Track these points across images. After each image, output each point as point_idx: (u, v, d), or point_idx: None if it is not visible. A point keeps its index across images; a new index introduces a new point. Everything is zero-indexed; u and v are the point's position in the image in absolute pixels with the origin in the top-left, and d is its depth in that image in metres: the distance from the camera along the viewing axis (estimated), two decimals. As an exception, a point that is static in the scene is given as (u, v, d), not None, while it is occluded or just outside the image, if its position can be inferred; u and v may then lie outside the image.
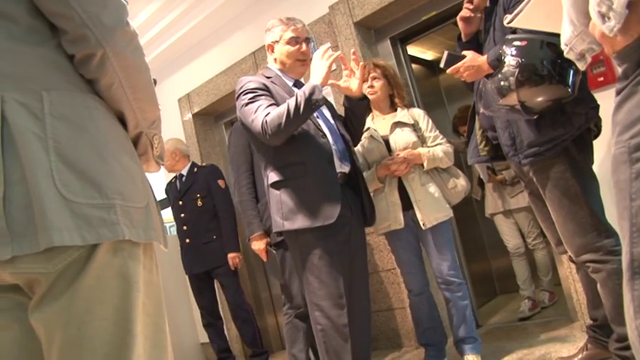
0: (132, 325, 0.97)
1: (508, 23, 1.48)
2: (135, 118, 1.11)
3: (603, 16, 0.95)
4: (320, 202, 2.26)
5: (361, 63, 2.49)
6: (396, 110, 2.94)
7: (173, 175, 4.21)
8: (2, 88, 0.92)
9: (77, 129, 0.97)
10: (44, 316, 0.94)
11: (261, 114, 2.25)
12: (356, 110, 2.56)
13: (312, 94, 2.20)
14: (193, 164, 4.19)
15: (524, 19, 1.41)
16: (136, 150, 1.14)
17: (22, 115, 0.91)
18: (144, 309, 1.01)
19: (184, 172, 4.11)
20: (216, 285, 4.17)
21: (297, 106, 2.18)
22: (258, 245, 3.00)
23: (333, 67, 2.33)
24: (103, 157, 0.98)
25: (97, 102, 1.04)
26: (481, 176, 3.83)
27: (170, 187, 4.20)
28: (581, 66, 1.14)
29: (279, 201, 2.33)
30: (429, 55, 5.04)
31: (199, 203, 3.98)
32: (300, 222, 2.27)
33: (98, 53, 1.01)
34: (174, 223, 4.21)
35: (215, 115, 4.91)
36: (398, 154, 2.74)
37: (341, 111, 2.71)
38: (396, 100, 2.95)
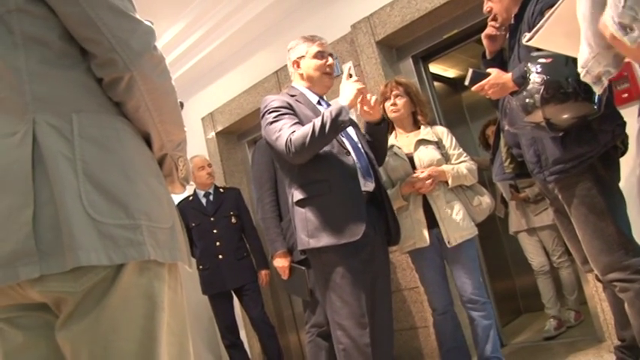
0: (157, 345, 0.98)
1: (527, 41, 1.47)
2: (160, 140, 1.13)
3: (625, 28, 0.93)
4: (345, 220, 2.25)
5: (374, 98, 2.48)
6: (419, 128, 2.93)
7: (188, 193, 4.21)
8: (35, 110, 0.95)
9: (105, 150, 0.99)
10: (71, 335, 0.95)
11: (286, 132, 2.26)
12: (376, 135, 2.58)
13: (338, 115, 2.20)
14: (216, 185, 4.22)
15: (543, 38, 1.40)
16: (161, 171, 1.16)
17: (53, 136, 0.94)
18: (169, 329, 1.01)
19: (211, 190, 4.13)
20: (236, 303, 4.17)
21: (322, 126, 2.19)
22: (282, 263, 3.00)
23: (359, 85, 2.33)
24: (129, 177, 1.00)
25: (125, 124, 1.07)
26: (504, 194, 3.79)
27: (190, 204, 4.12)
28: (598, 90, 1.12)
29: (305, 219, 2.33)
30: (451, 72, 5.03)
31: (233, 220, 4.03)
32: (326, 239, 2.26)
33: (126, 77, 1.03)
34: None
35: (238, 133, 4.94)
36: (422, 172, 2.73)
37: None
38: (419, 118, 2.94)
